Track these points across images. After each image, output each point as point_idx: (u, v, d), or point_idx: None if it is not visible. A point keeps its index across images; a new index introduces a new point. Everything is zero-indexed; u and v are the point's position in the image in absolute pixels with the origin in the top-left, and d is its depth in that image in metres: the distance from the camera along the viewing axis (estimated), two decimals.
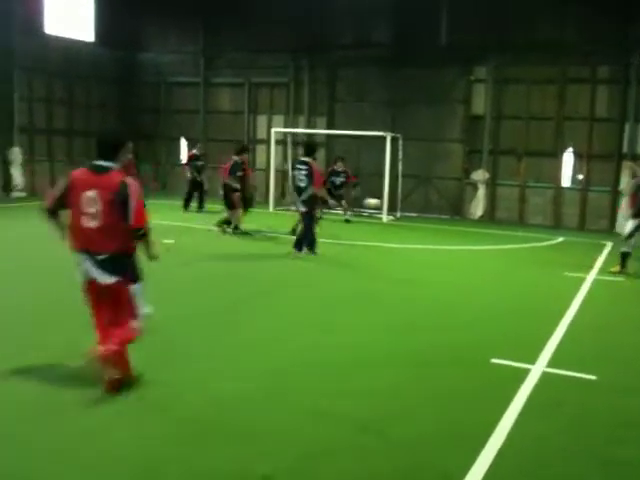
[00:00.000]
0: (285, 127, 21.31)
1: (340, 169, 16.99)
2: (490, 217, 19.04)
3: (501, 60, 18.42)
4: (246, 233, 13.80)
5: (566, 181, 18.48)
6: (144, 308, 5.65)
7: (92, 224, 4.79)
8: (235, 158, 14.00)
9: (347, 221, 17.10)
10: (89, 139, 22.60)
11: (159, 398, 4.97)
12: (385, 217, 18.08)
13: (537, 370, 5.87)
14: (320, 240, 11.77)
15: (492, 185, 19.09)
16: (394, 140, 18.43)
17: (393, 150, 18.34)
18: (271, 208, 19.26)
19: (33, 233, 12.81)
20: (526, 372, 5.79)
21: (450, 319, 7.75)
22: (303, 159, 11.71)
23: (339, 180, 16.90)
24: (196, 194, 18.07)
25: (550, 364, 6.07)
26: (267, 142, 21.06)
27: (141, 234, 4.88)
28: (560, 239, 15.68)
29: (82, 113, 22.33)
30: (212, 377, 5.45)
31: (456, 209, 19.65)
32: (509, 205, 19.00)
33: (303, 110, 21.41)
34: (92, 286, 4.94)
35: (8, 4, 19.13)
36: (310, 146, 12.13)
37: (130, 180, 4.87)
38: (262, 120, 22.28)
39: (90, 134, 22.56)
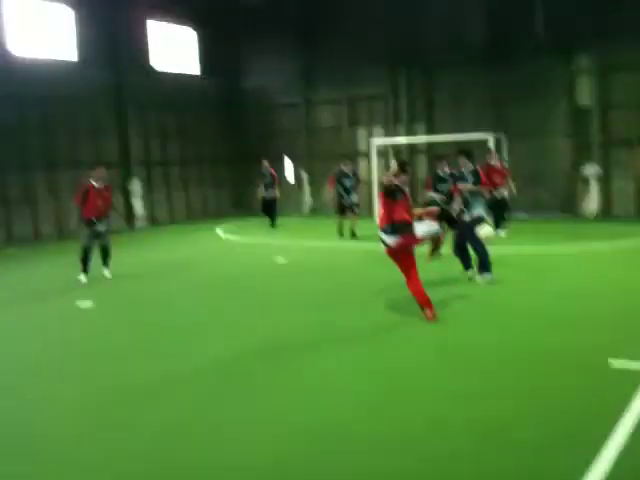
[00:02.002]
0: (385, 137, 21.52)
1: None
2: (606, 213, 18.27)
3: (603, 47, 17.70)
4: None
5: None
6: None
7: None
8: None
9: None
10: (202, 166, 23.94)
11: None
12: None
13: None
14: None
15: (605, 178, 18.34)
16: (498, 140, 18.15)
17: (498, 150, 18.06)
18: (377, 220, 19.42)
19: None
20: None
21: (568, 321, 7.63)
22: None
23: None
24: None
25: None
26: (368, 154, 21.30)
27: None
28: None
29: (194, 142, 23.59)
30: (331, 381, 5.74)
31: (568, 207, 19.02)
32: (625, 199, 18.15)
33: (402, 119, 21.54)
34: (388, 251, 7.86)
35: (116, 45, 20.59)
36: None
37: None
38: (362, 133, 22.61)
39: (203, 162, 23.87)
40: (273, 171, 19.62)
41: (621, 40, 17.25)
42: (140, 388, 5.99)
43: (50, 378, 6.46)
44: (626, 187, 18.10)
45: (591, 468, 4.08)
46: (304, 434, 4.86)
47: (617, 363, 5.95)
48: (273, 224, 19.33)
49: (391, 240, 7.69)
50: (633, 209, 17.95)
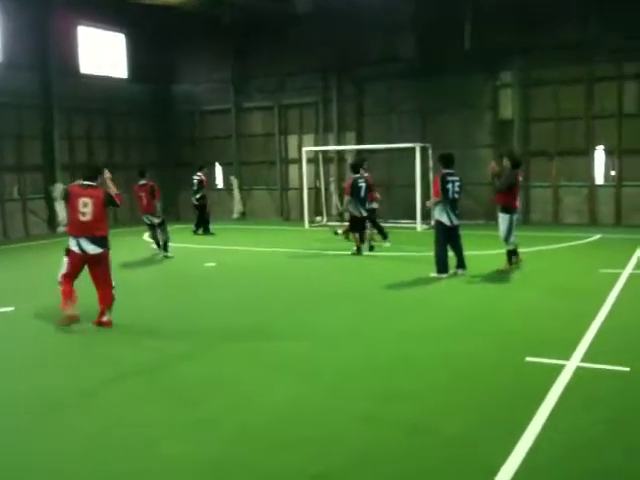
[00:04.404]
0: (315, 145, 21.75)
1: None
2: (524, 219, 19.02)
3: (525, 63, 18.57)
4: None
5: (599, 178, 18.45)
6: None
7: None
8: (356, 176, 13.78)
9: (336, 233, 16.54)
10: (129, 171, 23.47)
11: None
12: (419, 226, 18.26)
13: (571, 365, 6.03)
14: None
15: (525, 187, 19.11)
16: (424, 150, 18.65)
17: (424, 160, 18.56)
18: (306, 225, 19.64)
19: None
20: (560, 368, 5.95)
21: (486, 321, 7.95)
22: None
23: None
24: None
25: (584, 359, 6.23)
26: (299, 161, 21.48)
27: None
28: (597, 236, 15.66)
29: (121, 147, 23.17)
30: (271, 382, 5.79)
31: (491, 214, 19.67)
32: (543, 206, 19.02)
33: (332, 127, 21.82)
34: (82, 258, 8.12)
35: (44, 47, 20.04)
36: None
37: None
38: (293, 140, 22.77)
39: (130, 167, 23.43)
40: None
41: (540, 58, 18.18)
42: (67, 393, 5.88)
43: None
44: (544, 195, 18.95)
45: (512, 455, 4.30)
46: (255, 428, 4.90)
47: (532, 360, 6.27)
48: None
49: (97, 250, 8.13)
50: (550, 216, 18.80)
